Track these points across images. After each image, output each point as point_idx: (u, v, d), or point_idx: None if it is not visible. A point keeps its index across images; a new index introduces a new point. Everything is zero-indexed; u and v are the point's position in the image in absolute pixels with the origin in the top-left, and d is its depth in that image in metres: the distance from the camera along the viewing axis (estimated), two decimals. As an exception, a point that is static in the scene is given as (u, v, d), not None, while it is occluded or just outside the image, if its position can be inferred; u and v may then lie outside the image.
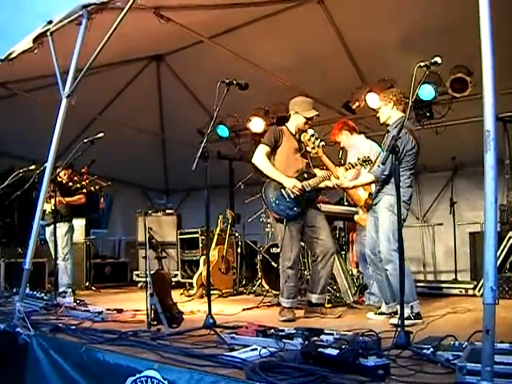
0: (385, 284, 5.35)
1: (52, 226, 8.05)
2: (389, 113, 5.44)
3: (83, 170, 8.01)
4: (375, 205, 5.48)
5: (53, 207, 7.89)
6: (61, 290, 8.03)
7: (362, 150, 6.48)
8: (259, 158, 5.78)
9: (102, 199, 8.96)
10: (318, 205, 6.35)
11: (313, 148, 5.68)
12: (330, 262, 5.78)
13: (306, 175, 5.79)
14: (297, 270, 5.95)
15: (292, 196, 5.65)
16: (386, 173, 5.18)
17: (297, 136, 5.97)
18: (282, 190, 5.70)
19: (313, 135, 5.74)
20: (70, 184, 8.07)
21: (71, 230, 8.55)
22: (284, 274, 5.69)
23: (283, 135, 5.89)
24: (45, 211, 7.99)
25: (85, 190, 8.21)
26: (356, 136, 6.95)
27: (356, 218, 6.49)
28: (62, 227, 8.32)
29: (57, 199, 7.50)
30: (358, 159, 5.61)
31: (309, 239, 5.89)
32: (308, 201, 5.80)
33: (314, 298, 5.78)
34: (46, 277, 9.03)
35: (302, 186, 5.65)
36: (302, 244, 6.38)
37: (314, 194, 5.91)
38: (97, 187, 8.30)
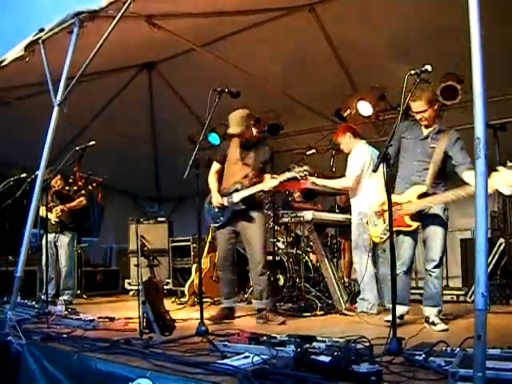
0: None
1: (53, 234, 8.17)
2: None
3: (75, 169, 7.95)
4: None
5: (56, 218, 8.03)
6: (66, 297, 8.14)
7: (361, 158, 6.73)
8: (209, 174, 6.41)
9: (100, 195, 8.93)
10: (306, 211, 6.60)
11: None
12: (257, 276, 6.12)
13: (239, 187, 6.08)
14: (226, 271, 6.37)
15: (216, 208, 6.19)
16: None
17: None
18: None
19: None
20: (67, 188, 8.08)
21: (74, 238, 8.65)
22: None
23: (230, 147, 6.32)
24: (49, 220, 8.06)
25: (83, 191, 8.22)
26: (357, 142, 6.97)
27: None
28: (65, 236, 8.41)
29: (58, 208, 7.69)
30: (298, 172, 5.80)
31: (244, 251, 6.57)
32: (236, 212, 6.10)
33: (254, 303, 6.20)
34: (37, 285, 9.00)
35: (222, 201, 6.10)
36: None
37: (242, 206, 6.09)
38: (94, 184, 8.31)
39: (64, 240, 8.48)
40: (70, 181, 8.21)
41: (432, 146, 5.25)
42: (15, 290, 5.17)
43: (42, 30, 5.98)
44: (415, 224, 5.22)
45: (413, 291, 8.04)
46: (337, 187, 6.96)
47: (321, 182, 6.97)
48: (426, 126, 5.33)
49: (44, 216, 7.22)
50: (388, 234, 4.96)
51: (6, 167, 9.55)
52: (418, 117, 5.30)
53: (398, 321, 4.91)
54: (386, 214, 5.11)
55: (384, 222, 5.42)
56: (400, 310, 5.08)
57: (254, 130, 6.27)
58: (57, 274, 8.57)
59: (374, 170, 4.11)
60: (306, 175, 5.74)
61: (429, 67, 4.22)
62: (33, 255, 8.61)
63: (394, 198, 5.19)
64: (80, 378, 3.69)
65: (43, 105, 6.01)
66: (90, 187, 8.24)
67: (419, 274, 10.39)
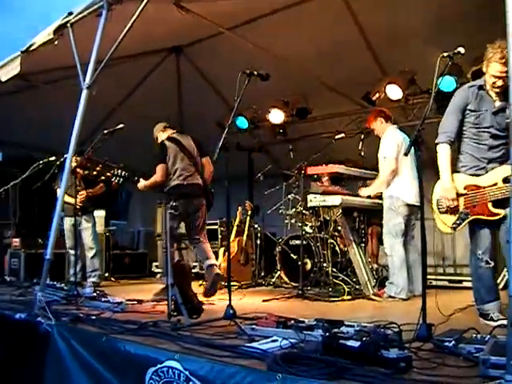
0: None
1: (72, 218, 8.21)
2: None
3: (89, 154, 7.89)
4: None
5: (80, 202, 8.05)
6: (93, 279, 8.22)
7: (394, 140, 6.71)
8: None
9: (115, 179, 9.01)
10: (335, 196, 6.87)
11: None
12: None
13: None
14: None
15: None
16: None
17: None
18: None
19: None
20: (87, 172, 8.10)
21: (95, 220, 8.71)
22: None
23: None
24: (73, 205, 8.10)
25: (103, 177, 8.25)
26: (389, 126, 6.96)
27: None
28: (86, 221, 8.44)
29: (84, 193, 7.77)
30: None
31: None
32: None
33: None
34: (65, 268, 9.09)
35: None
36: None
37: None
38: (112, 171, 8.33)
39: (86, 224, 8.50)
40: (88, 165, 8.23)
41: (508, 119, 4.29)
42: (45, 272, 5.22)
43: (70, 14, 5.99)
44: (502, 212, 4.39)
45: (441, 277, 8.04)
46: (385, 179, 6.68)
47: (373, 188, 7.02)
48: (498, 93, 4.49)
49: (68, 201, 7.26)
50: (463, 222, 4.59)
51: (35, 150, 9.65)
52: (498, 83, 4.42)
53: (492, 324, 4.25)
54: (462, 199, 4.59)
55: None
56: (487, 308, 4.59)
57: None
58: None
59: (406, 154, 4.06)
60: None
61: (461, 49, 4.11)
62: (61, 238, 8.71)
63: (474, 180, 4.56)
64: (109, 359, 3.73)
65: (71, 88, 6.04)
66: (108, 174, 8.26)
67: (447, 260, 10.37)
